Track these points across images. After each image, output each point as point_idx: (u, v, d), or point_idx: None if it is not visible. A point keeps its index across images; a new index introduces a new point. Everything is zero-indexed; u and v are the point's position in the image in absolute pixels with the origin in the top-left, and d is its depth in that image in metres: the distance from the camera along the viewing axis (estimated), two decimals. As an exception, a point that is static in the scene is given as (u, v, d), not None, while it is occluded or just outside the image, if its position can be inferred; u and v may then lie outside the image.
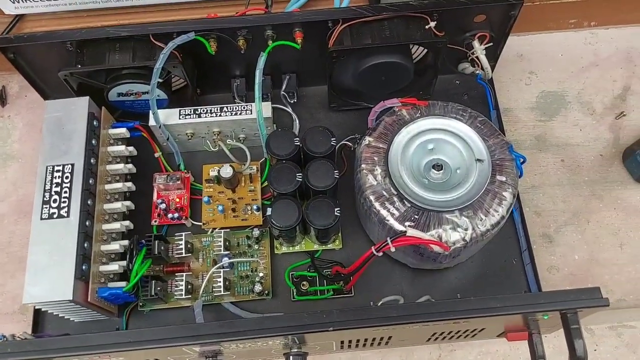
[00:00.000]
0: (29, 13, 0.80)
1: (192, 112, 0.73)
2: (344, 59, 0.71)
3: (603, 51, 0.91)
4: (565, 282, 0.76)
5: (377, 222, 0.65)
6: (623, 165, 0.83)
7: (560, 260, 0.77)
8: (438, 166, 0.66)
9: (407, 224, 0.63)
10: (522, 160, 0.67)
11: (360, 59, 0.71)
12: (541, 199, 0.81)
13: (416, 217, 0.63)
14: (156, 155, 0.76)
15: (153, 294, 0.66)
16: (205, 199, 0.74)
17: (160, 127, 0.72)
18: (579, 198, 0.81)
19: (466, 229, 0.62)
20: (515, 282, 0.72)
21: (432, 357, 0.75)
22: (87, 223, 0.64)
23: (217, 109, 0.74)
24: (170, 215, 0.73)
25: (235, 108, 0.73)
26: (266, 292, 0.70)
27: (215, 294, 0.68)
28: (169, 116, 0.73)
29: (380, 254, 0.62)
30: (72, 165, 0.66)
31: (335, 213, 0.65)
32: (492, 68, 0.80)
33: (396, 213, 0.63)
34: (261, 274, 0.70)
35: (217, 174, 0.73)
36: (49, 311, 0.64)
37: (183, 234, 0.70)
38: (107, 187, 0.70)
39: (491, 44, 0.76)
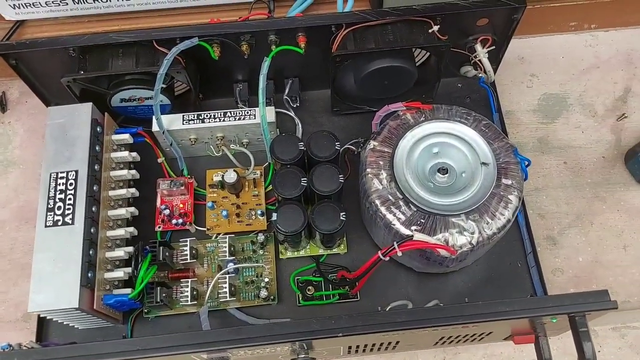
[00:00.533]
0: (30, 19, 0.80)
1: (195, 118, 0.73)
2: (347, 63, 0.71)
3: (604, 53, 0.91)
4: (570, 285, 0.76)
5: (382, 226, 0.65)
6: (625, 167, 0.83)
7: (564, 263, 0.77)
8: (443, 170, 0.66)
9: (413, 228, 0.63)
10: (527, 163, 0.67)
11: (364, 63, 0.71)
12: (545, 202, 0.81)
13: (422, 221, 0.63)
14: (159, 160, 0.76)
15: (158, 300, 0.66)
16: (209, 204, 0.74)
17: (163, 132, 0.71)
18: (582, 200, 0.81)
19: (472, 233, 0.62)
20: (521, 285, 0.72)
21: (437, 361, 0.75)
22: (91, 230, 0.64)
23: (220, 114, 0.73)
24: (174, 221, 0.73)
25: (239, 113, 0.73)
26: (272, 297, 0.70)
27: (220, 300, 0.68)
28: (172, 121, 0.73)
29: (387, 258, 0.62)
30: (76, 172, 0.66)
31: (341, 217, 0.65)
32: (494, 71, 0.80)
33: (402, 217, 0.63)
34: (266, 279, 0.70)
35: (220, 179, 0.73)
36: (54, 319, 0.63)
37: (187, 239, 0.70)
38: (111, 193, 0.70)
39: (493, 47, 0.76)
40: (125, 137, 0.73)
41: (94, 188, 0.66)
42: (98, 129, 0.70)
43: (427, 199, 0.64)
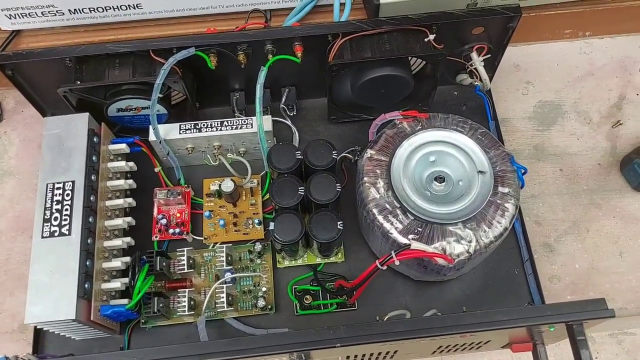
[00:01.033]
0: (26, 29, 0.80)
1: (192, 127, 0.73)
2: (344, 72, 0.72)
3: (598, 60, 0.92)
4: (567, 292, 0.76)
5: (380, 235, 0.65)
6: (621, 173, 0.83)
7: (561, 270, 0.78)
8: (440, 178, 0.66)
9: (410, 236, 0.63)
10: (523, 171, 0.67)
11: (360, 72, 0.72)
12: (541, 209, 0.81)
13: (419, 229, 0.63)
14: (156, 170, 0.76)
15: (156, 310, 0.66)
16: (206, 213, 0.74)
17: (160, 142, 0.71)
18: (579, 207, 0.81)
19: (470, 241, 0.63)
20: (518, 293, 0.72)
21: (435, 369, 0.75)
22: (88, 241, 0.64)
23: (217, 123, 0.73)
24: (171, 231, 0.73)
25: (236, 122, 0.73)
26: (269, 306, 0.70)
27: (218, 310, 0.68)
28: (169, 131, 0.73)
29: (385, 267, 0.62)
30: (73, 182, 0.66)
31: (338, 226, 0.65)
32: (490, 79, 0.81)
33: (399, 226, 0.63)
34: (264, 289, 0.70)
35: (217, 188, 0.73)
36: (51, 330, 0.63)
37: (185, 249, 0.69)
38: (108, 203, 0.69)
39: (489, 55, 0.77)
40: (122, 147, 0.73)
41: (91, 198, 0.66)
42: (95, 139, 0.70)
43: (425, 207, 0.64)
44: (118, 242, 0.68)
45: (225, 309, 0.67)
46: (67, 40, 0.82)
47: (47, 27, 0.80)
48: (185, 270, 0.69)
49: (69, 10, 0.78)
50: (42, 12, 0.78)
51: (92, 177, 0.67)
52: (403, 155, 0.67)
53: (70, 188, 0.65)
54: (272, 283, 0.71)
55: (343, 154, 0.77)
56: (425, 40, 0.70)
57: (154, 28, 0.82)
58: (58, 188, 0.66)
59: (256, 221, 0.74)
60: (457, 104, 0.83)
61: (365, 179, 0.66)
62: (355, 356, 0.63)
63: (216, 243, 0.73)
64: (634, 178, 0.81)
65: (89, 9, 0.78)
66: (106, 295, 0.66)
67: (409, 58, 0.73)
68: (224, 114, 0.80)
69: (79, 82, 0.69)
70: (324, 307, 0.70)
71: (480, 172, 0.65)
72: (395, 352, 0.62)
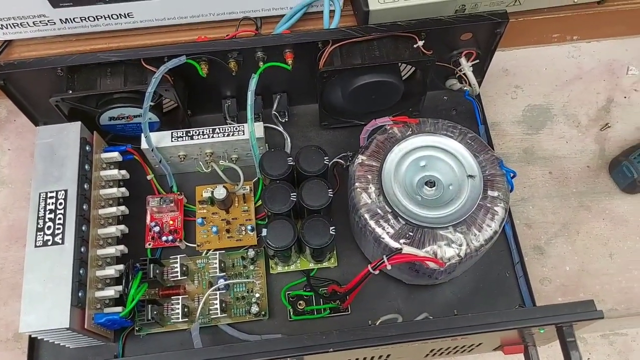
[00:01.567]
0: (17, 39, 0.80)
1: (184, 135, 0.74)
2: (334, 78, 0.72)
3: (586, 64, 0.93)
4: (558, 293, 0.77)
5: (372, 240, 0.65)
6: (610, 176, 0.84)
7: (551, 272, 0.78)
8: (431, 183, 0.67)
9: (402, 241, 0.63)
10: (512, 175, 0.68)
11: (351, 78, 0.72)
12: (531, 211, 0.82)
13: (411, 234, 0.64)
14: (148, 177, 0.76)
15: (150, 318, 0.66)
16: (199, 220, 0.74)
17: (152, 150, 0.72)
18: (568, 209, 0.82)
19: (460, 245, 0.63)
20: (509, 295, 0.73)
21: (429, 372, 0.76)
22: (82, 249, 0.64)
23: (209, 131, 0.74)
24: (164, 238, 0.73)
25: (228, 129, 0.74)
26: (263, 312, 0.70)
27: (212, 317, 0.68)
28: (161, 139, 0.73)
29: (377, 272, 0.62)
30: (66, 191, 0.66)
31: (331, 232, 0.66)
32: (479, 84, 0.81)
33: (391, 231, 0.64)
34: (257, 295, 0.71)
35: (210, 195, 0.74)
36: (45, 339, 0.63)
37: (178, 256, 0.70)
38: (101, 211, 0.70)
39: (477, 60, 0.78)
40: (115, 155, 0.73)
41: (84, 207, 0.66)
42: (87, 148, 0.70)
43: (415, 212, 0.65)
44: (111, 250, 0.68)
45: (219, 315, 0.67)
46: (59, 49, 0.82)
47: (39, 36, 0.80)
48: (179, 278, 0.69)
49: (60, 19, 0.78)
50: (33, 22, 0.78)
51: (85, 186, 0.67)
52: (394, 160, 0.67)
53: (63, 197, 0.66)
54: (266, 289, 0.72)
55: (335, 160, 0.78)
56: (415, 46, 0.71)
57: (145, 36, 0.82)
58: (51, 197, 0.66)
59: (249, 227, 0.74)
60: (447, 109, 0.84)
61: (356, 184, 0.67)
62: (349, 360, 0.64)
63: (209, 250, 0.73)
64: (623, 180, 0.82)
65: (80, 18, 0.78)
66: (100, 303, 0.66)
67: (399, 64, 0.74)
68: (216, 121, 0.81)
69: (70, 92, 0.69)
70: (317, 312, 0.71)
71: (470, 176, 0.66)
72: (388, 355, 0.63)
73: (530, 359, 0.63)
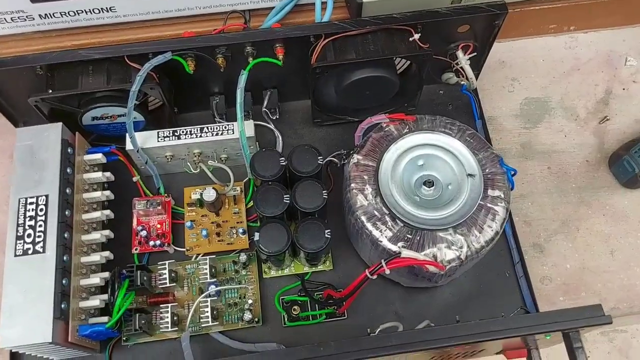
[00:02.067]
0: (-6, 35, 0.77)
1: (171, 134, 0.70)
2: (327, 74, 0.69)
3: (583, 55, 0.91)
4: (559, 292, 0.75)
5: (369, 242, 0.63)
6: (609, 170, 0.82)
7: (552, 270, 0.77)
8: (429, 182, 0.65)
9: (400, 244, 0.61)
10: (513, 173, 0.65)
11: (345, 74, 0.70)
12: (530, 208, 0.80)
13: (409, 236, 0.61)
14: (134, 179, 0.73)
15: (137, 328, 0.63)
16: (187, 223, 0.71)
17: (138, 151, 0.69)
18: (568, 205, 0.80)
19: (461, 247, 0.61)
20: (510, 296, 0.71)
21: (428, 376, 0.74)
22: (64, 258, 0.61)
23: (197, 130, 0.71)
24: (151, 243, 0.70)
25: (216, 128, 0.71)
26: (256, 319, 0.67)
27: (203, 325, 0.66)
28: (146, 139, 0.70)
29: (375, 277, 0.60)
30: (47, 196, 0.63)
31: (326, 235, 0.63)
32: (476, 77, 0.79)
33: (389, 233, 0.61)
34: (250, 301, 0.68)
35: (199, 197, 0.71)
36: (27, 353, 0.60)
37: (166, 262, 0.67)
38: (85, 217, 0.67)
39: (475, 53, 0.75)
40: (98, 157, 0.70)
41: (66, 213, 0.63)
42: (69, 150, 0.67)
43: (414, 213, 0.62)
44: (96, 257, 0.65)
45: (210, 323, 0.65)
46: (39, 45, 0.78)
47: (18, 32, 0.77)
48: (168, 284, 0.66)
49: (40, 15, 0.75)
50: (11, 18, 0.75)
51: (67, 190, 0.64)
52: (390, 159, 0.65)
53: (44, 202, 0.63)
54: (259, 294, 0.69)
55: (329, 158, 0.75)
56: (410, 39, 0.68)
57: (129, 31, 0.79)
58: (31, 203, 0.63)
59: (240, 230, 0.71)
60: (443, 103, 0.82)
61: (352, 185, 0.64)
62: (347, 369, 0.61)
63: (199, 254, 0.70)
64: (623, 174, 0.80)
65: (60, 13, 0.75)
66: (84, 313, 0.63)
67: (394, 58, 0.71)
68: (204, 118, 0.77)
69: (50, 91, 0.66)
70: (312, 317, 0.68)
71: (469, 175, 0.64)
72: (388, 363, 0.61)
73: (533, 362, 0.61)
